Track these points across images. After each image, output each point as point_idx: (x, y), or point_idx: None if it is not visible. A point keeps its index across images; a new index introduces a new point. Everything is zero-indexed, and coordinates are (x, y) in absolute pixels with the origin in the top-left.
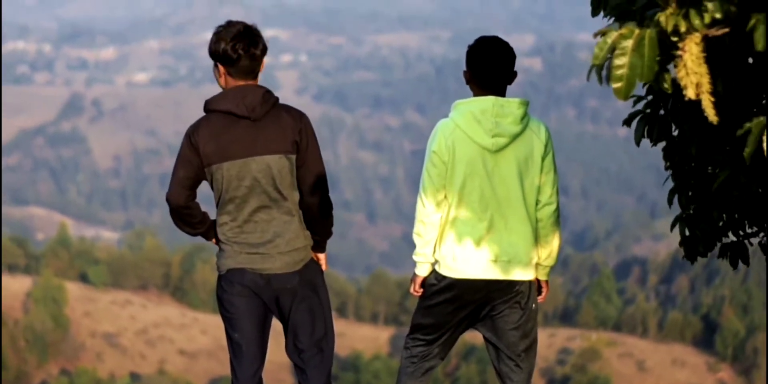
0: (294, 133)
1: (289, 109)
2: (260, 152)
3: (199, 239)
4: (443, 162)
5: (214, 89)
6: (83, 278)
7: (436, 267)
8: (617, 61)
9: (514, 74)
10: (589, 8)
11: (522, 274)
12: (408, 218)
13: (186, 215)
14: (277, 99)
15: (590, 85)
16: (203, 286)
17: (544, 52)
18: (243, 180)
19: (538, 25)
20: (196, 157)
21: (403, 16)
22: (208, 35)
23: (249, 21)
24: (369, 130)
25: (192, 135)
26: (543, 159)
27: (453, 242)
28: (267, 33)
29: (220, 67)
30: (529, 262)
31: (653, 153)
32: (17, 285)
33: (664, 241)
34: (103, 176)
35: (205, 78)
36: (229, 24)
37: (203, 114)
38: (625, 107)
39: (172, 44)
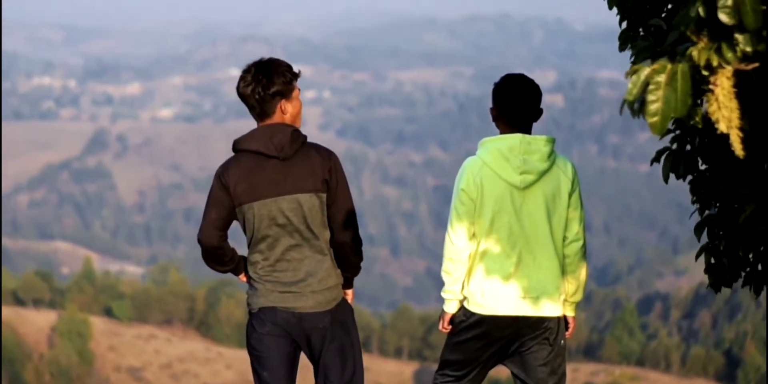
0: (324, 172)
1: (318, 148)
2: (291, 191)
3: (224, 274)
4: (471, 199)
5: (238, 125)
6: (108, 312)
7: (465, 303)
8: (651, 96)
9: (540, 111)
10: (608, 45)
11: (551, 309)
12: (431, 253)
13: (218, 255)
14: (305, 138)
15: (612, 121)
16: (228, 320)
17: (565, 88)
18: (274, 219)
19: (559, 62)
20: (228, 198)
21: (426, 52)
22: (232, 71)
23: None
24: (392, 166)
25: (222, 175)
26: (570, 195)
27: (482, 278)
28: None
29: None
30: (558, 298)
31: (675, 189)
32: (42, 319)
33: (686, 277)
34: (127, 211)
35: (229, 113)
36: (249, 66)
37: (227, 148)
38: (647, 143)
39: (196, 80)
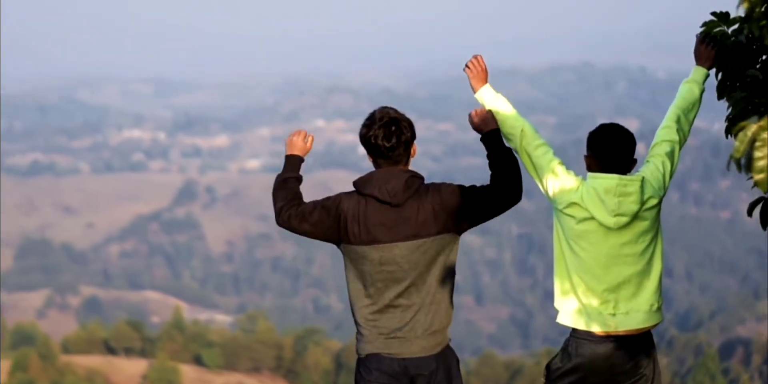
0: (438, 210)
1: (432, 188)
2: (403, 238)
3: (310, 324)
4: (573, 192)
5: (324, 175)
6: (197, 360)
7: (560, 319)
8: (758, 153)
9: (634, 161)
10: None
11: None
12: (515, 300)
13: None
14: (421, 182)
15: (693, 168)
16: (315, 368)
17: (647, 137)
18: (385, 265)
19: (641, 111)
20: (332, 224)
21: (512, 101)
22: (318, 122)
23: (357, 108)
24: None
25: (340, 205)
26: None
27: (576, 311)
28: None
29: (369, 155)
30: (653, 323)
31: (755, 236)
32: (133, 368)
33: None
34: (216, 261)
35: (315, 164)
36: (375, 114)
37: (313, 199)
38: (728, 190)
39: (283, 131)
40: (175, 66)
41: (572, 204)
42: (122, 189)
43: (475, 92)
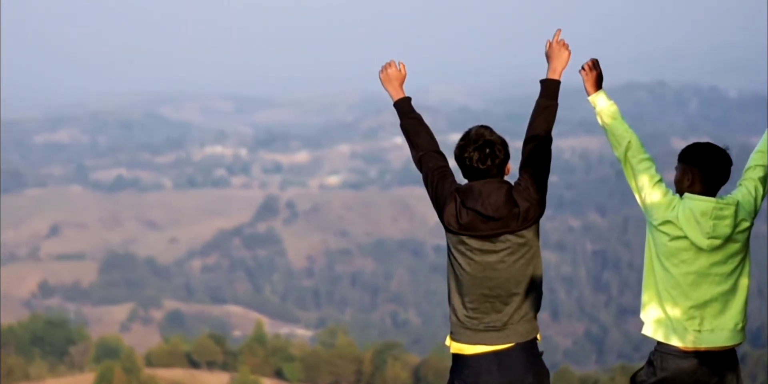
0: (523, 213)
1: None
2: (500, 249)
3: (389, 339)
4: (667, 215)
5: (403, 192)
6: (278, 374)
7: (645, 331)
8: None
9: (726, 179)
10: (760, 113)
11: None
12: (590, 316)
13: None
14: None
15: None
16: (394, 382)
17: None
18: (486, 270)
19: (713, 129)
20: (451, 182)
21: (584, 120)
22: (397, 140)
23: (436, 126)
24: (552, 231)
25: (460, 194)
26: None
27: (662, 325)
28: (452, 137)
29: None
30: (737, 342)
31: None
32: (215, 381)
33: None
34: (296, 275)
35: (394, 181)
36: (470, 134)
37: (393, 215)
38: None
39: (362, 148)
40: (256, 83)
41: (667, 222)
42: (205, 204)
43: (588, 95)
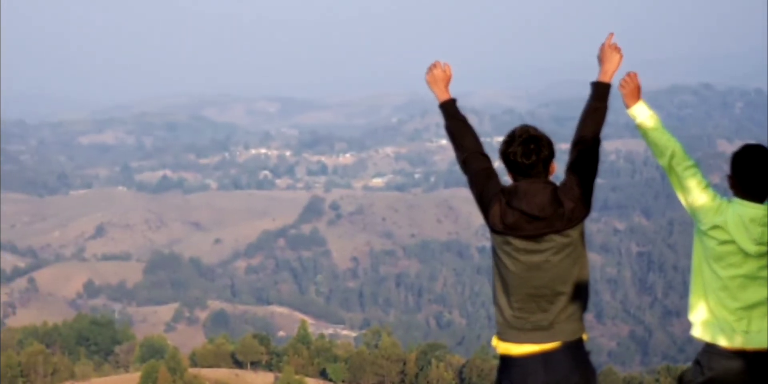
0: (568, 213)
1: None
2: (547, 249)
3: (433, 340)
4: (718, 224)
5: (448, 193)
6: (323, 375)
7: (694, 332)
8: None
9: None
10: None
11: None
12: (634, 318)
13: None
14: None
15: None
16: (438, 382)
17: None
18: (531, 270)
19: (759, 132)
20: (497, 186)
21: (629, 123)
22: (442, 141)
23: (481, 128)
24: (597, 233)
25: (506, 194)
26: None
27: (710, 326)
28: (497, 140)
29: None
30: None
31: None
32: (260, 381)
33: None
34: (341, 276)
35: (438, 183)
36: (515, 131)
37: (437, 216)
38: None
39: (407, 150)
40: (301, 85)
41: (716, 227)
42: (249, 205)
43: (628, 108)
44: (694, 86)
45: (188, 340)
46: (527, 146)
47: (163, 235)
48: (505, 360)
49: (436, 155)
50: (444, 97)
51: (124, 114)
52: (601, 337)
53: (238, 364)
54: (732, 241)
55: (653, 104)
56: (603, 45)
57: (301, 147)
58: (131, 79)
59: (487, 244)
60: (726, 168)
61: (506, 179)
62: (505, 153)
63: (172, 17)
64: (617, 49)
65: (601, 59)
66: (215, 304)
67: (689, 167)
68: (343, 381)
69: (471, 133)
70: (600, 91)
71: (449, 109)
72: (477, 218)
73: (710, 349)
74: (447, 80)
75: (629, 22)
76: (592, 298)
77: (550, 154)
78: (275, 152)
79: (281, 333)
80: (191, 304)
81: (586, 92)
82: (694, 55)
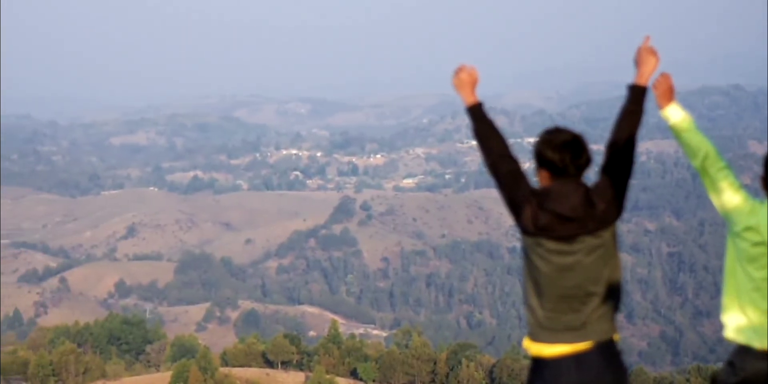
0: (600, 214)
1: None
2: (579, 250)
3: (464, 340)
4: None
5: (478, 194)
6: (353, 374)
7: (727, 333)
8: None
9: None
10: None
11: None
12: (665, 318)
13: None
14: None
15: None
16: (468, 382)
17: None
18: (563, 271)
19: None
20: (527, 188)
21: (660, 124)
22: (473, 142)
23: (511, 129)
24: (627, 233)
25: (537, 196)
26: None
27: (743, 327)
28: (527, 140)
29: (543, 170)
30: None
31: None
32: (291, 380)
33: None
34: (372, 277)
35: (469, 183)
36: (558, 131)
37: (468, 217)
38: None
39: (437, 151)
40: (332, 87)
41: (749, 228)
42: (280, 206)
43: (661, 109)
44: (724, 87)
45: (219, 339)
46: (561, 146)
47: (194, 235)
48: (538, 361)
49: (466, 156)
50: (471, 100)
51: (156, 115)
52: (632, 337)
53: (269, 364)
54: (765, 243)
55: (684, 105)
56: (639, 48)
57: (332, 148)
58: (162, 80)
59: (518, 244)
60: (757, 169)
61: (535, 180)
62: (539, 153)
63: (205, 19)
64: (654, 52)
65: (637, 62)
66: (246, 304)
67: (722, 169)
68: (373, 381)
69: (498, 135)
70: (636, 94)
71: (476, 112)
72: (507, 219)
73: (744, 350)
74: (473, 83)
75: (661, 25)
76: (623, 298)
77: (585, 153)
78: (306, 153)
79: (312, 333)
80: (222, 304)
81: (616, 94)
82: (724, 56)
